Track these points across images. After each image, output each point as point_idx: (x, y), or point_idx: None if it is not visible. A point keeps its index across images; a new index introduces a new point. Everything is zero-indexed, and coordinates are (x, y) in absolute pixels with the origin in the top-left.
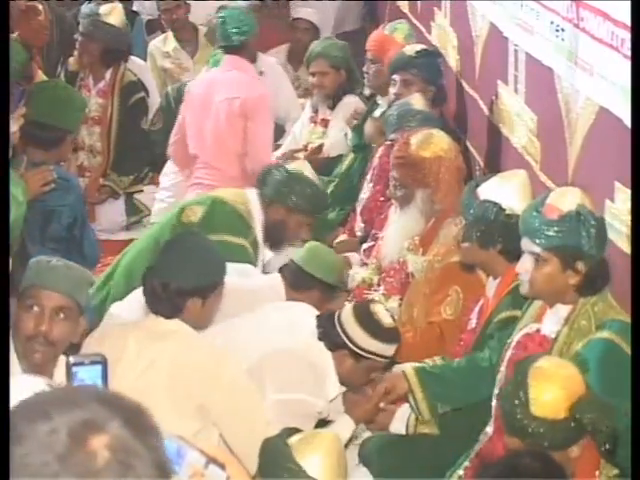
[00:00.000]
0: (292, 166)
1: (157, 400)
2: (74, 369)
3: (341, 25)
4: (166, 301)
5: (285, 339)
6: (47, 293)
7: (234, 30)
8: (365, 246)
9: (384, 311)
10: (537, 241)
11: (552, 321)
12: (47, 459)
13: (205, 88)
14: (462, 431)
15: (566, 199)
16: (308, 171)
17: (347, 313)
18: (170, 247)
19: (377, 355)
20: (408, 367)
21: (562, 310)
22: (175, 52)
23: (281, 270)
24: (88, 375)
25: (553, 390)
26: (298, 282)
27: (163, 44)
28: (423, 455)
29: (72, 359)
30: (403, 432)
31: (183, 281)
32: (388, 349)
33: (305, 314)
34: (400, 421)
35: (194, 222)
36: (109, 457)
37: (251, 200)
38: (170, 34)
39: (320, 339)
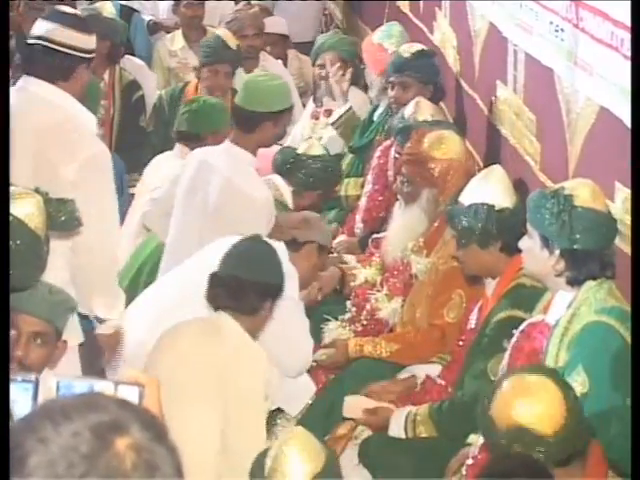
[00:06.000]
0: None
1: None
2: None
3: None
4: (244, 298)
5: None
6: (25, 317)
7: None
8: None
9: None
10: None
11: (555, 309)
12: (73, 460)
13: None
14: (461, 430)
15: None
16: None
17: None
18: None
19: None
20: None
21: (565, 297)
22: (182, 51)
23: None
24: (18, 391)
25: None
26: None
27: (171, 43)
28: (423, 455)
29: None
30: (402, 435)
31: (268, 278)
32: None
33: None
34: (397, 424)
35: None
36: (135, 458)
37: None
38: (178, 32)
39: None
